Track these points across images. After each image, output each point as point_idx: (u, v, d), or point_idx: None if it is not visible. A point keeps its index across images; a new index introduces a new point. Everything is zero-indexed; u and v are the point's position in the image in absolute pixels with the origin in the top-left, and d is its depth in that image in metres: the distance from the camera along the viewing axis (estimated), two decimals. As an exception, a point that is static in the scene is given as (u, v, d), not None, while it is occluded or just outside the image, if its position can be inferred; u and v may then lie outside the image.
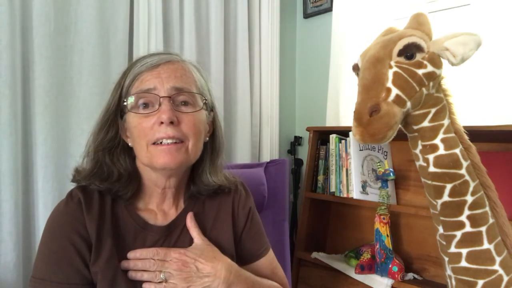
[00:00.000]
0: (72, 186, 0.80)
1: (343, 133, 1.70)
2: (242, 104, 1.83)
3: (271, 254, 0.93)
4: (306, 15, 2.12)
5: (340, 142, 1.68)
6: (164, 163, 0.72)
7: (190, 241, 0.80)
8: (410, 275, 1.45)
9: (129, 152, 0.80)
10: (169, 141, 0.72)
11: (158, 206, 0.81)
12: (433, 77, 0.72)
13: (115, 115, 0.77)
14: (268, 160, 1.76)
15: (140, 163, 0.79)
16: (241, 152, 1.83)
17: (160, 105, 0.72)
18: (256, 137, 1.91)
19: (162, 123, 0.71)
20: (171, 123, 0.71)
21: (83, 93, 1.33)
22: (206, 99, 0.79)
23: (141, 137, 0.72)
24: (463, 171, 0.74)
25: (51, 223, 0.74)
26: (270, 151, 1.92)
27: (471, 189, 0.74)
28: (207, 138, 0.83)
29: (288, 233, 1.57)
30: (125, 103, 0.74)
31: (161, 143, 0.72)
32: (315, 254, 1.67)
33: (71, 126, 1.32)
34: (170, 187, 0.81)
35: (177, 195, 0.84)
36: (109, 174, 0.76)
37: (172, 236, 0.80)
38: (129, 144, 0.78)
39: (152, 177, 0.79)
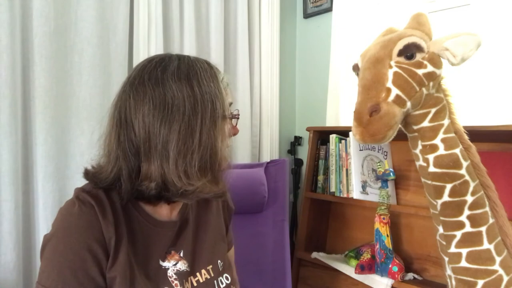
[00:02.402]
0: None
1: (343, 133, 1.70)
2: (242, 104, 1.83)
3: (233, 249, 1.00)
4: (306, 15, 2.12)
5: (340, 142, 1.68)
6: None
7: (195, 232, 0.82)
8: (410, 275, 1.45)
9: None
10: None
11: (161, 211, 0.79)
12: (433, 77, 0.72)
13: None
14: (268, 160, 1.76)
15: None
16: (241, 152, 1.83)
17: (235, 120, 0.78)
18: (256, 137, 1.92)
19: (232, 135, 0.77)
20: None
21: (83, 93, 1.33)
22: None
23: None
24: (463, 171, 0.73)
25: (63, 228, 0.68)
26: (270, 151, 1.92)
27: (471, 189, 0.74)
28: None
29: (288, 233, 1.57)
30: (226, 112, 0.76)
31: None
32: (315, 254, 1.67)
33: (71, 126, 1.32)
34: None
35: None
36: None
37: (183, 229, 0.80)
38: None
39: None
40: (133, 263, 0.70)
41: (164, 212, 0.79)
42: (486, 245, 0.74)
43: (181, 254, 0.78)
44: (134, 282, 0.69)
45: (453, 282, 0.77)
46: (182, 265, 0.77)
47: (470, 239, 0.74)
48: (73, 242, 0.66)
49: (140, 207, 0.76)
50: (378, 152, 1.67)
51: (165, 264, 0.75)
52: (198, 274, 0.79)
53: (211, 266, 0.82)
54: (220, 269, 0.84)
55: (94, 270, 0.67)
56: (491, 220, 0.75)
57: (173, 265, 0.76)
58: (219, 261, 0.84)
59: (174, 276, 0.75)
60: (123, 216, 0.72)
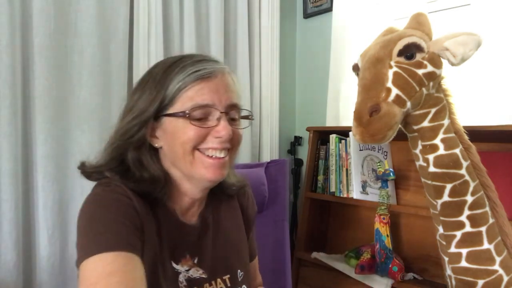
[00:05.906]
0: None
1: (343, 133, 1.70)
2: (242, 104, 1.83)
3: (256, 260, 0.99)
4: (306, 15, 2.12)
5: (340, 142, 1.68)
6: (214, 177, 0.72)
7: (214, 238, 0.80)
8: (410, 275, 1.45)
9: (155, 153, 0.76)
10: (222, 154, 0.72)
11: (182, 213, 0.78)
12: (433, 77, 0.72)
13: (152, 115, 0.72)
14: (268, 160, 1.76)
15: (172, 169, 0.75)
16: (241, 152, 1.83)
17: (219, 120, 0.72)
18: (256, 137, 1.92)
19: (218, 137, 0.71)
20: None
21: (83, 93, 1.33)
22: (250, 113, 0.84)
23: (187, 142, 0.70)
24: (463, 171, 0.73)
25: (98, 202, 0.67)
26: (270, 151, 1.92)
27: (471, 189, 0.74)
28: None
29: (288, 233, 1.57)
30: (167, 109, 0.71)
31: (209, 155, 0.71)
32: (315, 254, 1.67)
33: (71, 126, 1.32)
34: (200, 199, 0.79)
35: (201, 204, 0.82)
36: (141, 176, 0.72)
37: (203, 234, 0.79)
38: (156, 145, 0.74)
39: (184, 187, 0.76)
40: (157, 261, 0.69)
41: (183, 213, 0.78)
42: (486, 245, 0.74)
43: (195, 261, 0.76)
44: (159, 280, 0.68)
45: (453, 282, 0.77)
46: (195, 272, 0.75)
47: (470, 239, 0.74)
48: (113, 210, 0.65)
49: (167, 207, 0.75)
50: (378, 152, 1.67)
51: (178, 267, 0.73)
52: (213, 282, 0.77)
53: (228, 276, 0.79)
54: (239, 279, 0.81)
55: (138, 235, 0.65)
56: (491, 220, 0.75)
57: (186, 271, 0.74)
58: (238, 271, 0.82)
59: (184, 283, 0.73)
60: (152, 213, 0.72)
